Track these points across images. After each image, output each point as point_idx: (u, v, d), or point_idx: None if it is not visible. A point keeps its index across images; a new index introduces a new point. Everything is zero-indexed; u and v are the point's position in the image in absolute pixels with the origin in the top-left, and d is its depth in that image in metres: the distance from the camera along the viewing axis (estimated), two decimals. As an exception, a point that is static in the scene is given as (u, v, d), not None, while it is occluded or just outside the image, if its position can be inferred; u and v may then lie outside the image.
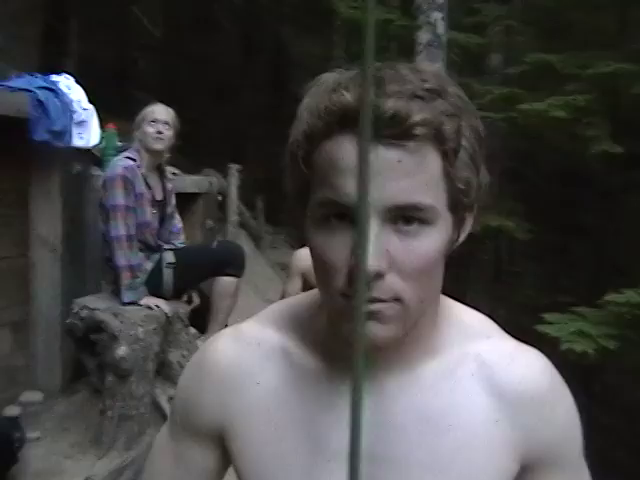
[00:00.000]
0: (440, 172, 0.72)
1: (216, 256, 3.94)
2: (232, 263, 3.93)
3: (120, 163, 3.62)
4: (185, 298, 4.00)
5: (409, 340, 0.80)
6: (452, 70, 6.53)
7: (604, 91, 6.32)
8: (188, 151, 4.99)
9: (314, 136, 0.73)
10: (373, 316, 0.71)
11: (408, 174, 0.69)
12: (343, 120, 0.70)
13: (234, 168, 6.14)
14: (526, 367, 0.84)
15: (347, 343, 0.75)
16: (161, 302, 3.64)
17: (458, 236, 0.78)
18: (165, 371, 3.70)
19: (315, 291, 0.91)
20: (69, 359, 3.93)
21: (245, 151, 9.08)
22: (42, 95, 3.57)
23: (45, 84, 3.66)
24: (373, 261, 0.68)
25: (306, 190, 0.76)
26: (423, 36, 6.33)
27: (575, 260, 10.31)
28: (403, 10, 7.02)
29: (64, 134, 3.69)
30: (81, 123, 3.83)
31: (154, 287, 3.71)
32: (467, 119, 0.73)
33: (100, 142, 4.13)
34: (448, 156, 0.71)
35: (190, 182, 5.00)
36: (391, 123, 0.68)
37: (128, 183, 3.57)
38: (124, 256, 3.56)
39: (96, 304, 3.62)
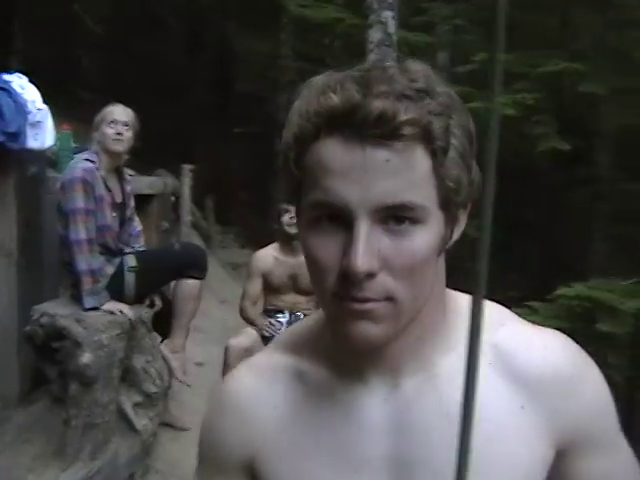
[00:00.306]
0: (429, 171, 0.72)
1: (178, 258, 3.88)
2: (194, 265, 3.87)
3: (79, 165, 3.53)
4: (147, 302, 3.92)
5: (422, 339, 0.81)
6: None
7: (552, 89, 6.44)
8: (136, 151, 4.90)
9: (304, 138, 0.73)
10: (365, 315, 0.72)
11: (397, 173, 0.70)
12: (331, 122, 0.70)
13: (186, 168, 6.05)
14: (544, 348, 0.83)
15: (347, 345, 0.76)
16: (124, 307, 3.56)
17: (451, 233, 0.78)
18: (130, 377, 3.62)
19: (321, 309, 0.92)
20: (27, 367, 3.81)
21: (193, 151, 8.96)
22: (-4, 95, 3.45)
23: (-2, 84, 3.53)
24: (364, 261, 0.69)
25: (298, 192, 0.76)
26: (374, 35, 6.34)
27: (523, 256, 10.51)
28: (353, 9, 7.02)
29: (19, 135, 3.57)
30: (36, 124, 3.70)
31: (116, 292, 3.63)
32: (457, 118, 0.73)
33: (54, 143, 4.01)
34: (437, 155, 0.72)
35: (145, 183, 4.91)
36: (378, 123, 0.68)
37: (88, 186, 3.48)
38: (85, 261, 3.47)
39: (56, 310, 3.51)
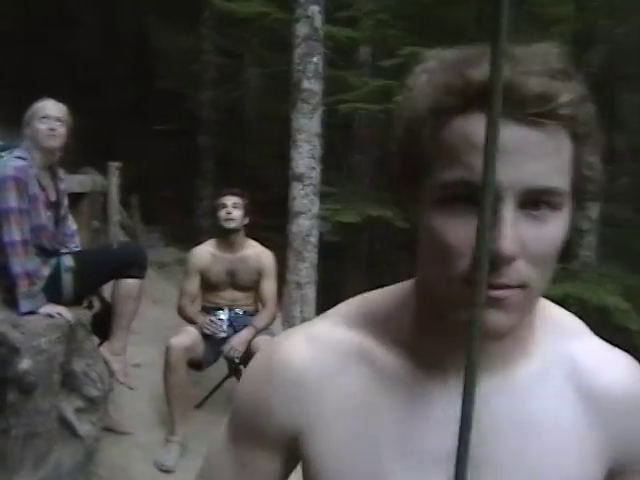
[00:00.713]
0: (572, 156, 0.70)
1: (117, 257, 3.77)
2: (134, 264, 3.77)
3: (10, 163, 3.38)
4: (85, 304, 3.80)
5: (510, 337, 0.77)
6: (326, 63, 6.58)
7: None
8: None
9: (443, 112, 0.69)
10: (497, 303, 0.68)
11: (547, 156, 0.68)
12: (481, 96, 0.66)
13: (113, 166, 5.89)
14: (620, 372, 0.83)
15: (462, 333, 0.72)
16: (62, 309, 3.43)
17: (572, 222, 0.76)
18: (70, 382, 3.49)
19: (393, 287, 0.87)
20: (-41, 377, 3.63)
21: (114, 149, 8.74)
22: None
23: None
24: (510, 244, 0.65)
25: (425, 169, 0.72)
26: (301, 29, 6.32)
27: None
28: (279, 3, 6.98)
29: (-57, 133, 3.40)
30: (-39, 121, 3.53)
31: (53, 294, 3.49)
32: (591, 103, 0.72)
33: (-20, 141, 3.83)
34: (580, 140, 0.70)
35: (75, 182, 4.76)
36: (538, 102, 0.66)
37: (21, 184, 3.34)
38: (20, 263, 3.33)
39: (-10, 316, 3.36)
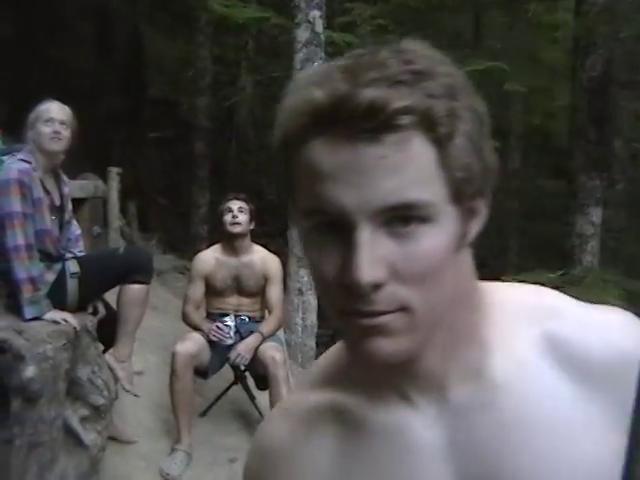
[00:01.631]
0: (434, 161, 0.64)
1: (123, 263, 3.70)
2: (140, 269, 3.70)
3: (14, 166, 3.31)
4: (90, 309, 3.72)
5: (459, 343, 0.73)
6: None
7: (477, 88, 6.55)
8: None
9: (291, 140, 0.66)
10: (377, 330, 0.64)
11: (395, 170, 0.62)
12: (317, 120, 0.63)
13: (114, 171, 5.83)
14: (606, 329, 0.74)
15: (363, 365, 0.71)
16: (67, 315, 3.36)
17: (468, 227, 0.69)
18: (75, 390, 3.41)
19: None
20: (-40, 385, 3.54)
21: (110, 156, 8.68)
22: None
23: None
24: (367, 271, 0.61)
25: (292, 198, 0.69)
26: (302, 34, 6.29)
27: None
28: (278, 8, 6.95)
29: (-55, 136, 3.33)
30: (-38, 124, 3.46)
31: (58, 299, 3.42)
32: (463, 99, 0.65)
33: (-19, 145, 3.76)
34: (442, 143, 0.64)
35: (76, 187, 4.69)
36: (368, 115, 0.60)
37: (25, 188, 3.28)
38: (24, 268, 3.26)
39: (-6, 322, 3.28)
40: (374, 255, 0.62)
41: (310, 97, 0.62)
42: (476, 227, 0.70)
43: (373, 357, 0.66)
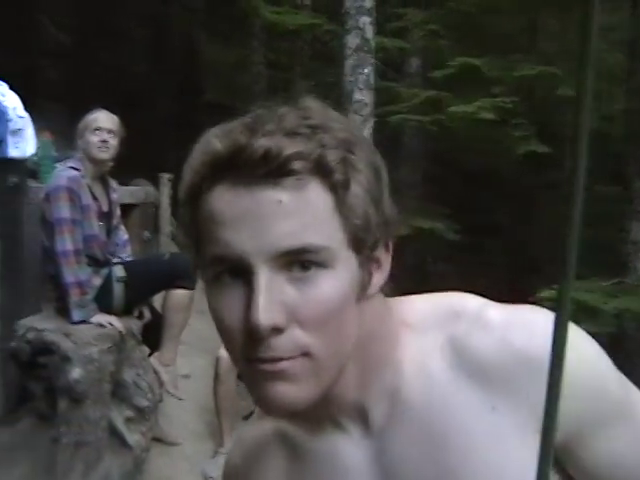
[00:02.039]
0: (331, 208, 0.66)
1: (168, 268, 3.77)
2: (185, 275, 3.75)
3: (64, 174, 3.41)
4: (136, 313, 3.81)
5: (371, 369, 0.74)
6: (377, 75, 6.55)
7: (528, 93, 6.48)
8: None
9: (194, 192, 0.68)
10: (279, 376, 0.65)
11: (291, 214, 0.64)
12: (216, 169, 0.66)
13: (165, 177, 5.94)
14: (510, 330, 0.71)
15: (266, 411, 0.72)
16: (114, 319, 3.45)
17: (370, 277, 0.70)
18: (120, 392, 3.50)
19: None
20: (11, 385, 3.66)
21: (164, 161, 8.84)
22: (-24, 103, 3.33)
23: (-23, 91, 3.41)
24: (265, 315, 0.62)
25: (197, 248, 0.70)
26: (352, 41, 6.30)
27: (494, 259, 10.55)
28: (331, 15, 6.98)
29: (0, 144, 3.45)
30: (17, 132, 3.59)
31: (104, 303, 3.51)
32: (359, 152, 0.67)
33: (35, 152, 3.89)
34: (337, 190, 0.65)
35: (126, 193, 4.79)
36: (263, 161, 0.63)
37: (73, 195, 3.37)
38: (72, 272, 3.35)
39: (43, 325, 3.39)
40: (272, 299, 0.63)
41: (211, 148, 0.65)
42: (380, 278, 0.71)
43: (275, 403, 0.66)
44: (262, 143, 0.63)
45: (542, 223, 10.03)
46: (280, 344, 0.64)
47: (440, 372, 0.73)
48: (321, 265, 0.65)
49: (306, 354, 0.65)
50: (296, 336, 0.65)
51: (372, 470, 0.75)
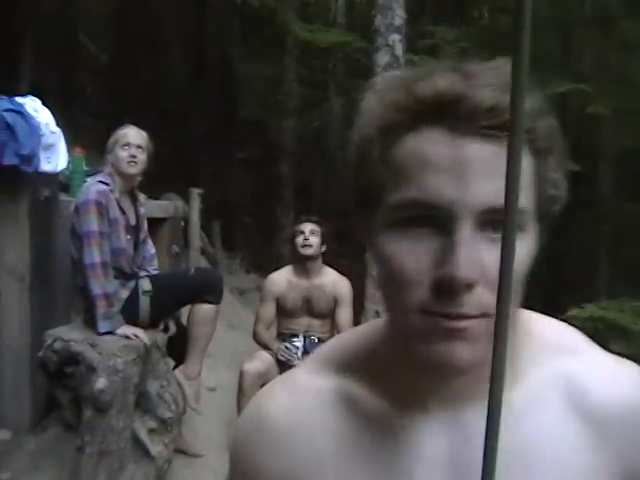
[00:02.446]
0: (531, 173, 0.65)
1: (194, 283, 3.83)
2: (210, 290, 3.81)
3: (93, 188, 3.49)
4: (162, 326, 3.86)
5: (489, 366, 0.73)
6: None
7: (560, 110, 6.43)
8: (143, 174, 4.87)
9: (393, 130, 0.65)
10: (460, 335, 0.63)
11: (503, 172, 0.63)
12: (434, 112, 0.63)
13: (195, 192, 6.02)
14: (625, 385, 0.74)
15: (433, 369, 0.67)
16: (139, 331, 3.50)
17: (535, 248, 0.69)
18: (144, 403, 3.55)
19: (374, 323, 0.82)
20: (40, 394, 3.74)
21: (197, 175, 8.96)
22: (10, 118, 3.42)
23: (12, 106, 3.51)
24: (465, 271, 0.60)
25: (377, 192, 0.67)
26: (382, 58, 6.36)
27: (528, 279, 10.44)
28: (360, 33, 7.04)
29: (32, 158, 3.54)
30: (49, 147, 3.68)
31: (130, 315, 3.57)
32: (555, 123, 0.67)
33: (67, 167, 3.99)
34: (540, 156, 0.65)
35: (156, 206, 4.87)
36: (489, 115, 0.61)
37: (102, 208, 3.44)
38: (99, 284, 3.42)
39: (70, 335, 3.46)
40: (471, 255, 0.61)
41: (427, 90, 0.63)
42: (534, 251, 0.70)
43: (450, 362, 0.64)
44: (488, 95, 0.61)
45: (576, 242, 9.93)
46: (468, 302, 0.62)
47: (546, 398, 0.74)
48: (517, 228, 0.62)
49: (486, 315, 0.63)
50: (482, 296, 0.62)
51: (447, 465, 0.73)
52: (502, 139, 0.61)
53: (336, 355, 0.81)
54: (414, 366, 0.70)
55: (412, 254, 0.64)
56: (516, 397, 0.72)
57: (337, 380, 0.78)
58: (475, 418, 0.72)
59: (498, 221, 0.61)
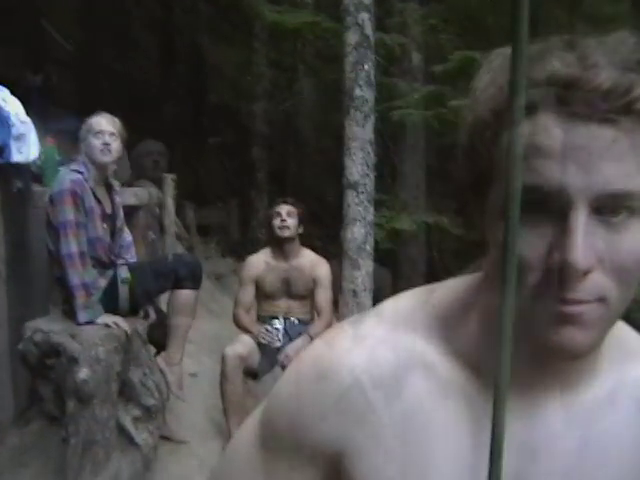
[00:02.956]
0: None
1: (172, 269, 3.81)
2: (189, 275, 3.81)
3: (67, 177, 3.45)
4: (141, 314, 3.84)
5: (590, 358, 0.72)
6: (378, 71, 6.55)
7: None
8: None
9: (507, 114, 0.64)
10: (575, 320, 0.62)
11: (623, 156, 0.61)
12: (550, 94, 0.62)
13: (169, 177, 5.97)
14: None
15: (540, 350, 0.66)
16: (119, 319, 3.48)
17: None
18: (127, 392, 3.54)
19: (458, 288, 0.79)
20: (21, 387, 3.71)
21: (171, 162, 8.88)
22: (-22, 109, 3.37)
23: (-21, 97, 3.45)
24: (583, 257, 0.60)
25: (489, 177, 0.67)
26: (352, 37, 6.30)
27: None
28: (328, 13, 7.00)
29: (3, 149, 3.50)
30: (19, 137, 3.62)
31: (110, 304, 3.55)
32: None
33: (38, 157, 3.93)
34: None
35: (130, 194, 4.83)
36: (608, 97, 0.60)
37: (77, 198, 3.41)
38: (77, 275, 3.39)
39: (50, 327, 3.43)
40: (588, 241, 0.61)
41: (542, 72, 0.62)
42: None
43: (564, 347, 0.64)
44: (606, 76, 0.60)
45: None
46: (584, 287, 0.62)
47: (623, 402, 0.75)
48: (631, 212, 0.62)
49: (601, 300, 0.63)
50: (599, 280, 0.62)
51: (517, 448, 0.72)
52: (620, 122, 0.61)
53: (422, 314, 0.78)
54: (517, 347, 0.70)
55: (529, 239, 0.63)
56: (592, 393, 0.74)
57: (420, 343, 0.76)
58: (546, 408, 0.73)
59: (617, 205, 0.62)
